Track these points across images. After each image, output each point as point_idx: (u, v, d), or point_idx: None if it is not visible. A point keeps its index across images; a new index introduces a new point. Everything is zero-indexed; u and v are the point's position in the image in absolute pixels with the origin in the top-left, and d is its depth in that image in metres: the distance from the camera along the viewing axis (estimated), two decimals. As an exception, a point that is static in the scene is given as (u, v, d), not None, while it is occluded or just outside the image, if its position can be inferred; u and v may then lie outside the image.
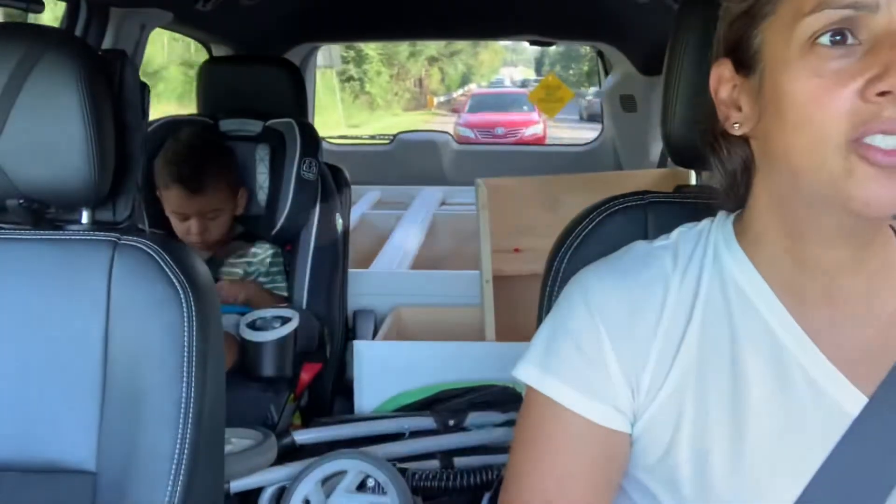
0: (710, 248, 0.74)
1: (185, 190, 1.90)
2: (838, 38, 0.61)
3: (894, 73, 0.58)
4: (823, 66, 0.61)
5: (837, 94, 0.60)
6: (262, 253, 2.04)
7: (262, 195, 2.10)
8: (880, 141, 0.59)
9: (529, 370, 0.75)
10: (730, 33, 0.70)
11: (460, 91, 19.52)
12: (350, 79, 15.15)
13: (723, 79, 0.71)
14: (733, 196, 0.76)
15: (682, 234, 0.77)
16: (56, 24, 1.83)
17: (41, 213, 1.06)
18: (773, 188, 0.70)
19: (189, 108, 2.47)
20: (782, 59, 0.64)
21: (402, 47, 18.37)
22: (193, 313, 1.01)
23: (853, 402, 0.67)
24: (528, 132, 13.03)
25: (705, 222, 0.78)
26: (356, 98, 15.83)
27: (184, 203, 1.92)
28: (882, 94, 0.59)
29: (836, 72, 0.61)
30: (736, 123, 0.70)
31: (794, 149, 0.64)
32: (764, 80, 0.66)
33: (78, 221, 1.08)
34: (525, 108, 13.59)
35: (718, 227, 0.76)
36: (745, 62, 0.69)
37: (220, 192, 1.94)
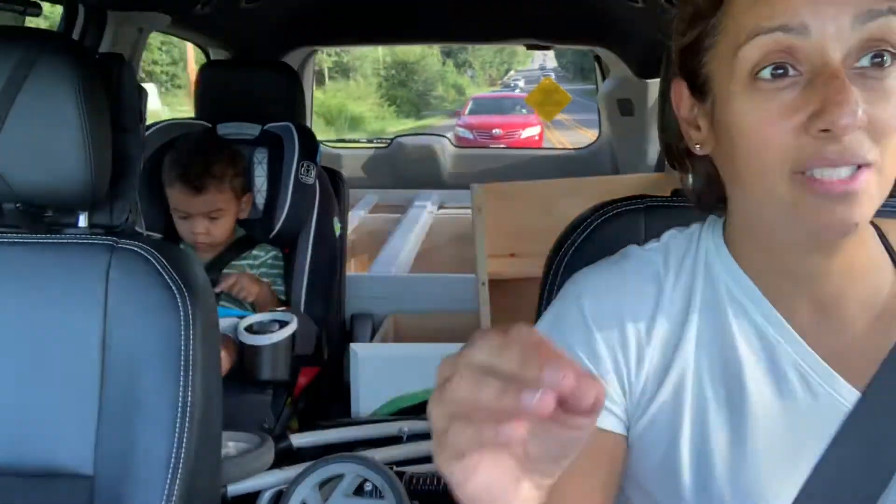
0: (702, 252, 0.75)
1: (188, 188, 1.91)
2: (779, 71, 0.62)
3: (832, 109, 0.58)
4: (766, 99, 0.62)
5: (780, 129, 0.61)
6: (264, 255, 2.04)
7: (259, 199, 2.10)
8: (823, 174, 0.60)
9: None
10: (681, 61, 0.71)
11: (505, 77, 37.80)
12: (472, 77, 36.95)
13: (682, 96, 0.72)
14: (703, 207, 0.78)
15: (673, 237, 0.78)
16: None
17: (38, 216, 1.06)
18: (738, 205, 0.72)
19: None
20: (727, 91, 0.65)
21: (488, 65, 39.54)
22: (190, 317, 1.01)
23: (847, 398, 0.68)
24: (525, 134, 13.61)
25: (695, 226, 0.79)
26: (471, 83, 35.28)
27: (186, 202, 1.93)
28: (823, 130, 0.59)
29: (779, 106, 0.61)
30: (697, 144, 0.72)
31: (745, 177, 0.65)
32: (715, 110, 0.68)
33: (75, 225, 1.08)
34: (524, 111, 14.33)
35: (708, 231, 0.77)
36: (697, 88, 0.70)
37: (223, 193, 1.94)
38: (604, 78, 3.65)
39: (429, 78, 30.63)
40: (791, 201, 0.62)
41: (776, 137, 0.61)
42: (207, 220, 1.94)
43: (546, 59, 35.50)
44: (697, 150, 0.72)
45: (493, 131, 13.55)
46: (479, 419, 0.43)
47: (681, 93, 0.72)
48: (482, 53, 36.41)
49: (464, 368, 0.44)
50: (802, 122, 0.60)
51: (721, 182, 0.73)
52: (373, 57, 29.38)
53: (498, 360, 0.43)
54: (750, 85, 0.63)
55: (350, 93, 25.89)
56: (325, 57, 23.16)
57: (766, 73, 0.62)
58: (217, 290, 1.92)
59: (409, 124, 22.66)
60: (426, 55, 29.39)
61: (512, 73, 38.99)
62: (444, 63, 32.91)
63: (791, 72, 0.61)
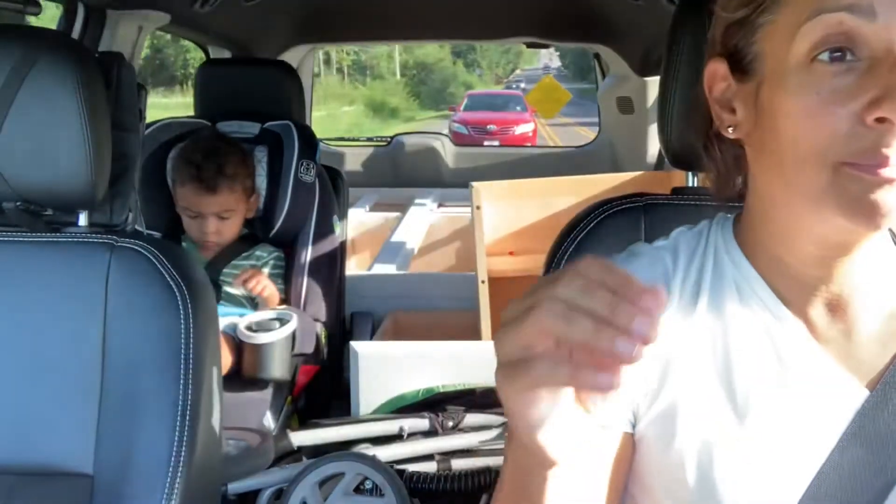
0: (711, 249, 0.74)
1: (202, 188, 1.91)
2: (837, 54, 0.60)
3: (893, 98, 0.56)
4: (822, 82, 0.60)
5: (835, 114, 0.59)
6: (267, 255, 2.05)
7: (259, 197, 2.10)
8: (868, 160, 0.58)
9: None
10: (725, 38, 0.69)
11: (511, 76, 41.34)
12: (480, 75, 40.86)
13: (717, 76, 0.70)
14: (724, 197, 0.76)
15: (681, 234, 0.77)
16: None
17: (38, 215, 1.06)
18: (765, 195, 0.70)
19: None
20: (781, 71, 0.63)
21: (495, 65, 43.28)
22: (190, 315, 1.01)
23: (856, 396, 0.68)
24: (519, 130, 14.13)
25: (703, 224, 0.78)
26: (480, 81, 39.29)
27: (198, 201, 1.93)
28: (880, 119, 0.57)
29: (835, 90, 0.59)
30: (730, 127, 0.70)
31: (786, 162, 0.63)
32: (761, 90, 0.65)
33: (75, 224, 1.08)
34: (518, 108, 15.17)
35: (718, 229, 0.76)
36: (741, 67, 0.68)
37: (235, 193, 1.95)
38: (603, 76, 3.65)
39: (444, 77, 36.24)
40: (833, 188, 0.60)
41: (828, 124, 0.59)
42: (218, 220, 1.94)
43: (551, 58, 37.11)
44: (730, 132, 0.70)
45: (488, 127, 13.84)
46: (575, 359, 0.44)
47: (716, 72, 0.70)
48: (489, 54, 40.25)
49: (551, 301, 0.45)
50: (858, 110, 0.58)
51: (745, 171, 0.72)
52: (389, 56, 35.37)
53: (586, 300, 0.44)
54: (805, 66, 0.61)
55: (386, 90, 32.43)
56: (345, 56, 32.81)
57: (825, 55, 0.60)
58: (235, 283, 1.94)
59: (431, 114, 27.95)
60: (442, 58, 35.88)
61: (518, 71, 42.72)
62: (454, 63, 37.71)
63: (849, 57, 0.59)
